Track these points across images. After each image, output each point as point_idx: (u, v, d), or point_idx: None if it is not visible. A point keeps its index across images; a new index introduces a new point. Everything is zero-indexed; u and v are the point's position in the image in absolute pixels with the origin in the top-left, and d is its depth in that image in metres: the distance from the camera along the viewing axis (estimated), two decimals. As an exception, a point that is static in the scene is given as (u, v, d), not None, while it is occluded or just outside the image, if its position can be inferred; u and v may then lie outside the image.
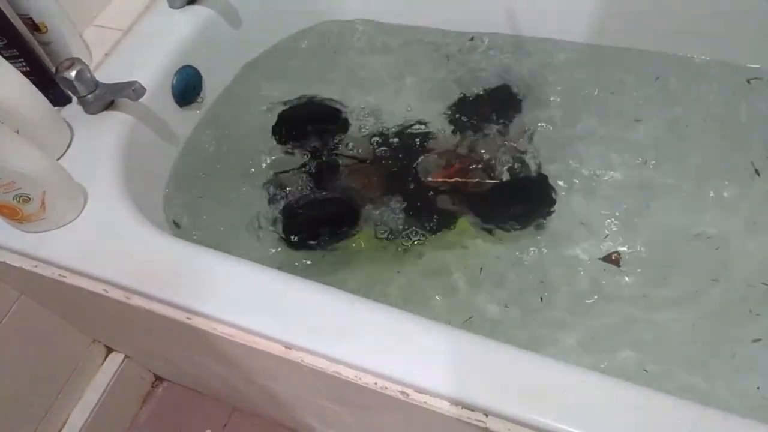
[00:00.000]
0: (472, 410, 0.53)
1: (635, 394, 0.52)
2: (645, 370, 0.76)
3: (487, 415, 0.52)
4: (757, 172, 0.90)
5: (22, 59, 0.74)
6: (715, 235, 0.86)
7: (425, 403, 0.53)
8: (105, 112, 0.79)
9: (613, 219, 0.89)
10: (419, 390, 0.54)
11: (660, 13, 0.98)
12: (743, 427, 0.49)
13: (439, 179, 0.93)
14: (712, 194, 0.90)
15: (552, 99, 1.02)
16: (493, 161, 0.94)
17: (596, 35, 1.03)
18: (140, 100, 0.75)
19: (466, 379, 0.53)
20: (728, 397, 0.72)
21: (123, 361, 1.02)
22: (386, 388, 0.55)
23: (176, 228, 0.83)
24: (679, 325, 0.79)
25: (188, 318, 0.61)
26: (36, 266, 0.67)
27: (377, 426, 0.73)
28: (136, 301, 0.63)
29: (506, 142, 0.96)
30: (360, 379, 0.55)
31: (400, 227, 0.89)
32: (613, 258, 0.85)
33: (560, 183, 0.92)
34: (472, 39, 1.08)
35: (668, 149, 0.95)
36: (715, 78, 0.99)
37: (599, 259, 0.85)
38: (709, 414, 0.50)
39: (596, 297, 0.83)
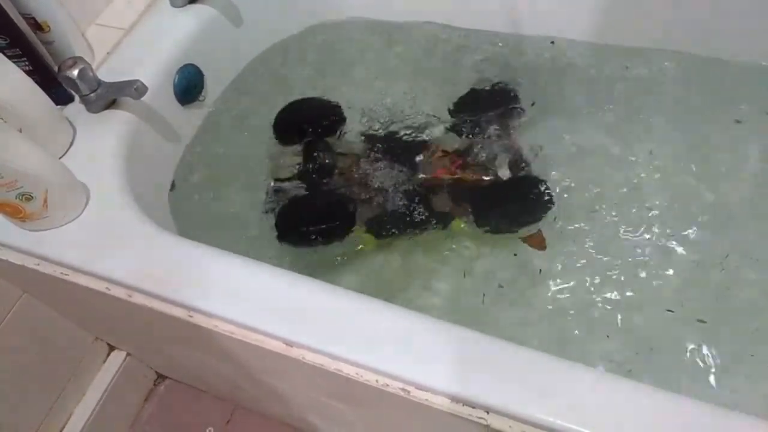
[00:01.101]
0: (474, 407, 0.53)
1: (635, 391, 0.52)
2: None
3: (488, 412, 0.52)
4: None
5: (25, 58, 0.75)
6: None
7: (426, 400, 0.54)
8: (107, 111, 0.79)
9: (611, 218, 0.89)
10: (420, 387, 0.54)
11: (667, 11, 0.98)
12: (743, 424, 0.50)
13: (437, 177, 0.93)
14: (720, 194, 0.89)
15: (552, 99, 1.01)
16: (492, 160, 0.94)
17: (598, 34, 1.03)
18: (142, 98, 0.76)
19: (467, 376, 0.53)
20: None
21: (125, 358, 1.02)
22: (387, 385, 0.55)
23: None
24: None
25: (190, 315, 0.61)
26: (38, 264, 0.67)
27: (378, 423, 0.73)
28: (138, 298, 0.63)
29: (505, 142, 0.96)
30: (361, 376, 0.55)
31: (397, 225, 0.89)
32: (536, 238, 0.84)
33: (558, 183, 0.92)
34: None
35: (669, 148, 0.95)
36: (723, 75, 0.99)
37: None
38: (709, 411, 0.50)
39: (594, 294, 0.83)
